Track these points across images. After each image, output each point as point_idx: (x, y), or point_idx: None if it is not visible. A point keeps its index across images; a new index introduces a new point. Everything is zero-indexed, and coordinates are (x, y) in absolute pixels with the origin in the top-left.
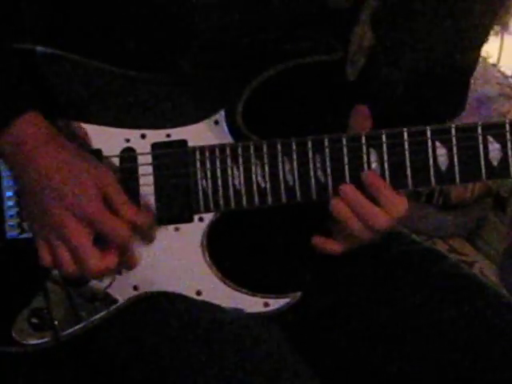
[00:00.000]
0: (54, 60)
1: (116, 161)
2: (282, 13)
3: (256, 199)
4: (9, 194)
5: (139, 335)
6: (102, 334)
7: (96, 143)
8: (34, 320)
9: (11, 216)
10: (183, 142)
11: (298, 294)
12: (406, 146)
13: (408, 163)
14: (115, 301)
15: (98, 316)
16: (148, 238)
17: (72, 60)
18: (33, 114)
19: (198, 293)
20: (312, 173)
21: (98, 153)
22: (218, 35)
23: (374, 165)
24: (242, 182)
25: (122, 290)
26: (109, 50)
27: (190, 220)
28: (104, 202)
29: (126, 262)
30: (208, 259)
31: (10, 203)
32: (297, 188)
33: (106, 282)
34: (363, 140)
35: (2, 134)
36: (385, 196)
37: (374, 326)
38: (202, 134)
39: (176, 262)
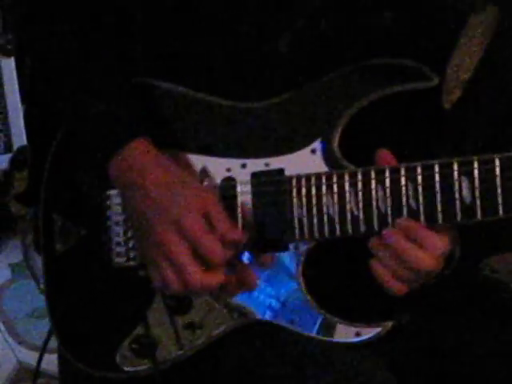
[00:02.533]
0: (166, 93)
1: (216, 190)
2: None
3: (349, 228)
4: (117, 221)
5: (238, 362)
6: (199, 360)
7: (199, 174)
8: (136, 347)
9: (119, 244)
10: (281, 171)
11: (390, 323)
12: (497, 173)
13: (499, 190)
14: (216, 328)
15: (198, 342)
16: (247, 281)
17: (181, 93)
18: (143, 140)
19: (292, 322)
20: (404, 200)
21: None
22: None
23: (464, 191)
24: (336, 210)
25: (221, 318)
26: (212, 80)
27: (286, 248)
28: (205, 221)
29: (244, 283)
30: (303, 288)
31: (119, 230)
32: (389, 216)
33: (205, 309)
34: (455, 167)
35: (114, 157)
36: (422, 237)
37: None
38: (298, 162)
39: (271, 290)
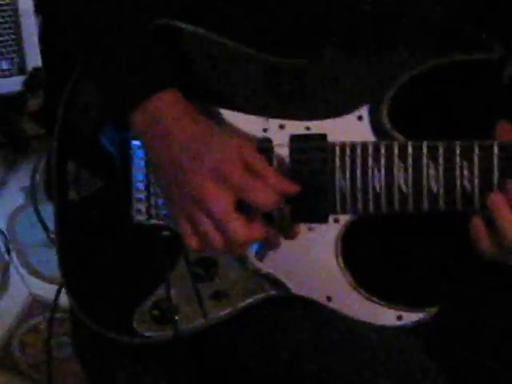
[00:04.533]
0: (201, 41)
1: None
2: None
3: (396, 204)
4: (139, 176)
5: (265, 336)
6: (224, 331)
7: (234, 131)
8: (156, 312)
9: (139, 200)
10: (323, 137)
11: (434, 309)
12: None
13: None
14: (243, 299)
15: (223, 313)
16: (289, 233)
17: (219, 43)
18: (172, 92)
19: (329, 299)
20: (458, 181)
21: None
22: (374, 15)
23: None
24: (383, 184)
25: (250, 288)
26: (252, 31)
27: (325, 220)
28: (246, 168)
29: (285, 234)
30: (341, 264)
31: (140, 186)
32: (440, 195)
33: (232, 278)
34: None
35: (139, 109)
36: None
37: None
38: (343, 129)
39: (307, 264)
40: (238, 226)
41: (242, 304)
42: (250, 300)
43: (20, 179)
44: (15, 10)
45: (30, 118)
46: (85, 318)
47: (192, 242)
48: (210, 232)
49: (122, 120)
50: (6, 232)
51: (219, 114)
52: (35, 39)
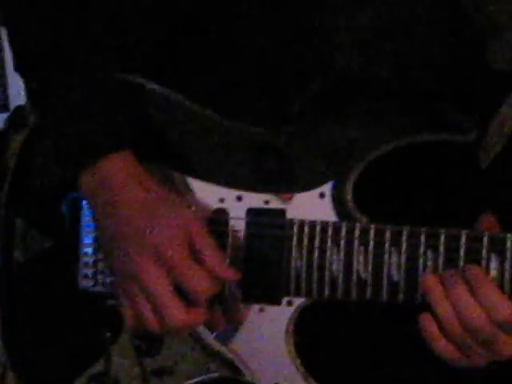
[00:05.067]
0: (164, 101)
1: (204, 219)
2: (436, 63)
3: (353, 291)
4: (87, 240)
5: None
6: None
7: (187, 198)
8: None
9: (86, 264)
10: (281, 212)
11: None
12: None
13: None
14: (188, 378)
15: None
16: (236, 317)
17: (182, 105)
18: (124, 154)
19: None
20: (420, 271)
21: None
22: (351, 76)
23: (493, 272)
24: (341, 268)
25: (198, 367)
26: (217, 93)
27: (278, 302)
28: (189, 250)
29: (231, 318)
30: (292, 350)
31: (88, 250)
32: (400, 286)
33: (179, 354)
34: (485, 242)
35: (89, 169)
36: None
37: None
38: (303, 205)
39: (257, 347)
40: (175, 312)
41: (188, 382)
42: (196, 379)
43: None
44: None
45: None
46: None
47: (128, 320)
48: (146, 313)
49: (71, 178)
50: None
51: (174, 178)
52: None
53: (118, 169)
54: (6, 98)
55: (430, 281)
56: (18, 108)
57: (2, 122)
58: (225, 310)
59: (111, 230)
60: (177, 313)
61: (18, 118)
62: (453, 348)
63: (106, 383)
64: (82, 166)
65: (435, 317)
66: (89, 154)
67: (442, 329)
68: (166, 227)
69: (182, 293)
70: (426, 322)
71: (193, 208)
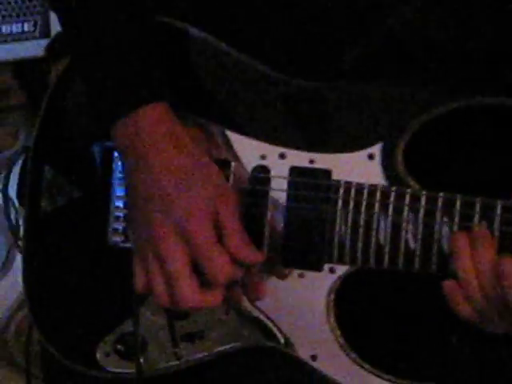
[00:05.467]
0: (208, 49)
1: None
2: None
3: (400, 261)
4: (119, 192)
5: None
6: (191, 376)
7: (227, 154)
8: (121, 347)
9: (117, 218)
10: (327, 173)
11: None
12: None
13: None
14: (219, 343)
15: (195, 357)
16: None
17: (228, 54)
18: (160, 107)
19: (313, 358)
20: None
21: (225, 164)
22: (402, 37)
23: None
24: (389, 237)
25: (231, 333)
26: (268, 46)
27: (319, 269)
28: (214, 228)
29: (250, 292)
30: (332, 320)
31: (120, 203)
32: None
33: (211, 318)
34: None
35: (121, 121)
36: None
37: None
38: (350, 167)
39: (294, 315)
40: (189, 292)
41: (219, 348)
42: (229, 345)
43: None
44: None
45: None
46: (53, 350)
47: (137, 285)
48: (157, 285)
49: (105, 128)
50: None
51: (212, 131)
52: None
53: (154, 122)
54: (47, 23)
55: (459, 240)
56: (59, 34)
57: (42, 48)
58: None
59: (138, 187)
60: (190, 293)
61: (58, 45)
62: (476, 314)
63: (132, 345)
64: (115, 114)
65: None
66: (123, 103)
67: (464, 294)
68: (194, 198)
69: (200, 271)
70: (450, 289)
71: (233, 164)
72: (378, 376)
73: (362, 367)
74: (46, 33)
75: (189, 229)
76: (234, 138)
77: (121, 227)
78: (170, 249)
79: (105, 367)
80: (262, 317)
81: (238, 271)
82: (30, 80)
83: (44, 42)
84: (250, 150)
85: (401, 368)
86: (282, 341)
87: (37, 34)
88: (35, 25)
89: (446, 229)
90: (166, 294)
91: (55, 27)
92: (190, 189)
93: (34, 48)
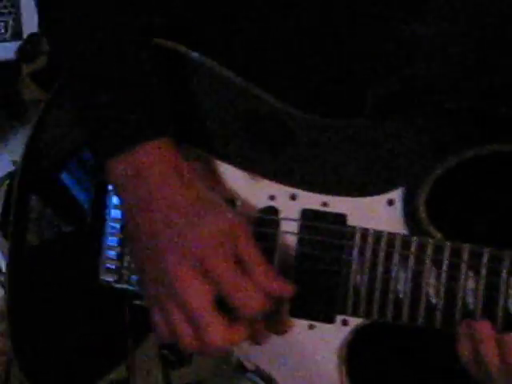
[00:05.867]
0: (212, 75)
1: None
2: None
3: (421, 316)
4: (113, 229)
5: None
6: None
7: (232, 192)
8: None
9: (110, 257)
10: (341, 218)
11: None
12: None
13: None
14: None
15: None
16: (280, 328)
17: (231, 80)
18: (162, 142)
19: None
20: (501, 301)
21: (230, 203)
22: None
23: None
24: (409, 289)
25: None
26: (277, 77)
27: (331, 320)
28: (235, 260)
29: (253, 336)
30: (344, 377)
31: (113, 241)
32: (477, 315)
33: (210, 367)
34: None
35: (121, 157)
36: None
37: None
38: (367, 212)
39: (301, 369)
40: (217, 330)
41: None
42: None
43: (13, 151)
44: None
45: (29, 80)
46: None
47: (160, 334)
48: (182, 329)
49: (101, 161)
50: None
51: (217, 170)
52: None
53: (157, 160)
54: (19, 24)
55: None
56: (32, 36)
57: (14, 50)
58: (268, 323)
59: (145, 228)
60: (219, 330)
61: (30, 47)
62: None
63: None
64: (111, 152)
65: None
66: (121, 139)
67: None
68: (209, 232)
69: (223, 307)
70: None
71: (238, 204)
72: None
73: None
74: (17, 35)
75: (209, 264)
76: (242, 176)
77: (114, 266)
78: (190, 289)
79: None
80: (265, 369)
81: (266, 302)
82: (1, 83)
83: (15, 45)
84: (257, 190)
85: None
86: None
87: (8, 36)
88: (6, 27)
89: (471, 284)
90: (192, 338)
91: (27, 29)
92: (202, 223)
93: (6, 51)
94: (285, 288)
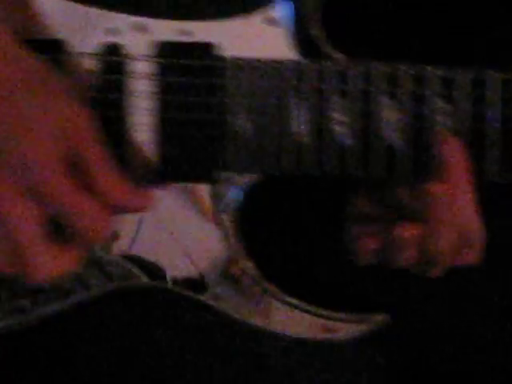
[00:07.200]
0: None
1: (89, 65)
2: None
3: (330, 163)
4: None
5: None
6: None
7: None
8: None
9: None
10: (207, 48)
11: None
12: None
13: None
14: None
15: (47, 308)
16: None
17: None
18: None
19: (216, 297)
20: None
21: (58, 45)
22: None
23: None
24: (309, 128)
25: (90, 277)
26: None
27: (211, 180)
28: (69, 165)
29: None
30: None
31: None
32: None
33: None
34: None
35: None
36: None
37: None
38: (241, 37)
39: (180, 238)
40: (43, 262)
41: (79, 297)
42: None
43: None
44: None
45: None
46: None
47: None
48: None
49: None
50: None
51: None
52: None
53: None
54: None
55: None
56: None
57: None
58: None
59: None
60: (45, 262)
61: None
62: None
63: None
64: None
65: None
66: None
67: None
68: (37, 129)
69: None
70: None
71: (66, 46)
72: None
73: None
74: None
75: (35, 174)
76: (69, 7)
77: None
78: (12, 209)
79: None
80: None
81: (109, 222)
82: None
83: None
84: (92, 22)
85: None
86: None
87: None
88: None
89: (390, 114)
90: (8, 264)
91: None
92: (27, 113)
93: None
94: (141, 201)
